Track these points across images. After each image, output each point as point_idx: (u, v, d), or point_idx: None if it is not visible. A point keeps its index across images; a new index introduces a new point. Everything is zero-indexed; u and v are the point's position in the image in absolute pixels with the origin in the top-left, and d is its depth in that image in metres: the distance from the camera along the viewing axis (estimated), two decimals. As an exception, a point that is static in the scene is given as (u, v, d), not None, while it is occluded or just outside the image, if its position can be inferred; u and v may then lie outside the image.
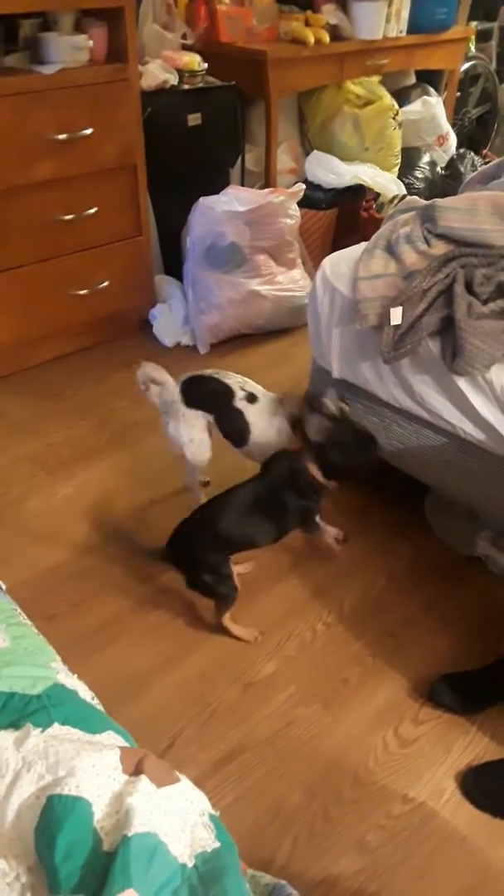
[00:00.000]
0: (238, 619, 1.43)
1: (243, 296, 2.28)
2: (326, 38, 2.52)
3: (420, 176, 2.98)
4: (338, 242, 2.62)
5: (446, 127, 3.19)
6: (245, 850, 0.90)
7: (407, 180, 2.91)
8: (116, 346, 2.36)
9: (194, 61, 2.31)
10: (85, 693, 0.89)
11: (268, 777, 1.20)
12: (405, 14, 2.75)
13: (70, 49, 1.92)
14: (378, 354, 1.45)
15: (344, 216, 2.70)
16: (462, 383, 1.37)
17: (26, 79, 1.86)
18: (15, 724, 0.77)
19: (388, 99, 2.82)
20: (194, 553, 1.35)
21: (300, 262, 2.42)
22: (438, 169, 3.07)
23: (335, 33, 2.59)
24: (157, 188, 2.29)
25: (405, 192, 2.78)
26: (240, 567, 1.48)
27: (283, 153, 2.80)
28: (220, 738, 1.25)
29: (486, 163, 2.82)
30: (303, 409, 1.45)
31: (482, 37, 3.59)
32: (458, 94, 3.39)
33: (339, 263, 1.60)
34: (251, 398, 1.51)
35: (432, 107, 3.09)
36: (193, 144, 2.36)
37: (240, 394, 1.51)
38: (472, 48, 3.45)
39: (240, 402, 1.50)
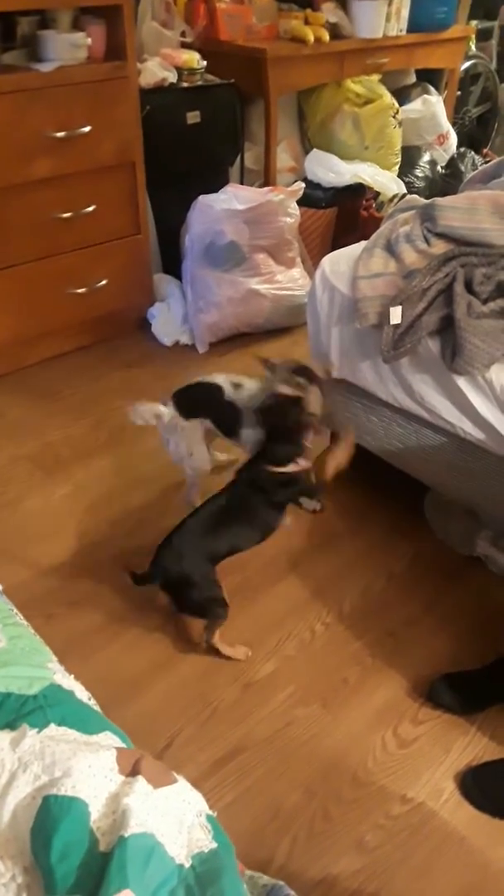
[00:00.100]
0: (237, 620, 1.42)
1: (242, 295, 2.28)
2: (326, 36, 2.52)
3: (420, 175, 2.97)
4: (337, 241, 2.61)
5: (446, 126, 3.19)
6: (244, 849, 0.89)
7: (407, 179, 2.91)
8: (115, 345, 2.36)
9: (193, 59, 2.30)
10: (81, 693, 0.89)
11: (267, 777, 1.20)
12: (405, 13, 2.75)
13: (68, 47, 1.91)
14: (377, 353, 1.45)
15: (344, 215, 2.69)
16: (462, 383, 1.37)
17: (24, 76, 1.85)
18: (11, 725, 0.77)
19: (388, 98, 2.82)
20: (180, 574, 1.31)
21: (300, 260, 2.42)
22: (439, 168, 3.06)
23: (335, 32, 2.59)
24: (156, 186, 2.29)
25: (405, 191, 2.77)
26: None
27: (282, 151, 2.80)
28: (219, 738, 1.25)
29: (486, 162, 2.82)
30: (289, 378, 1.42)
31: (482, 36, 3.59)
32: (459, 92, 3.39)
33: (339, 262, 1.59)
34: (238, 387, 1.51)
35: (432, 105, 3.09)
36: (192, 142, 2.35)
37: (228, 388, 1.51)
38: (473, 47, 3.45)
39: (230, 394, 1.50)
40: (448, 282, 1.41)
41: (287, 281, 2.35)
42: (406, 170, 2.94)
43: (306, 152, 2.82)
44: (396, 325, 1.39)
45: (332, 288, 1.57)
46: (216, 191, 2.27)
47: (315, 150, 2.75)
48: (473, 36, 3.37)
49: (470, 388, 1.36)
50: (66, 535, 1.66)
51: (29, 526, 1.68)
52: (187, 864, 0.67)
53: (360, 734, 1.27)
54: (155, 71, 2.21)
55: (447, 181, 2.98)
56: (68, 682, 0.89)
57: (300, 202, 2.31)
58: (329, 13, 2.58)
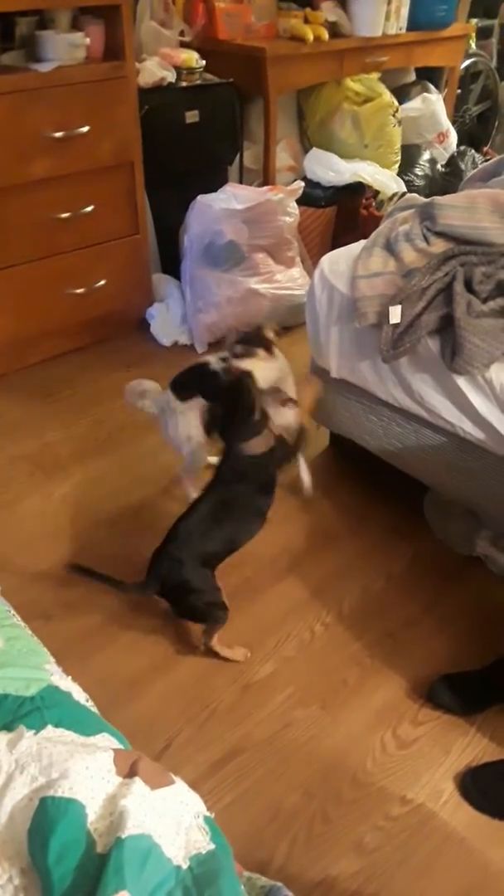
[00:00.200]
0: (236, 621, 1.42)
1: (242, 294, 2.27)
2: (325, 35, 2.51)
3: (420, 173, 2.97)
4: (337, 240, 2.61)
5: (446, 124, 3.18)
6: (243, 851, 0.89)
7: (407, 178, 2.90)
8: (114, 346, 2.36)
9: (192, 58, 2.30)
10: (79, 695, 0.88)
11: (266, 778, 1.20)
12: (405, 11, 2.74)
13: (67, 47, 1.91)
14: (377, 353, 1.44)
15: (343, 214, 2.69)
16: (461, 382, 1.36)
17: (23, 77, 1.85)
18: (8, 726, 0.77)
19: (388, 96, 2.81)
20: (179, 582, 1.30)
21: (299, 260, 2.42)
22: (439, 166, 3.06)
23: (334, 30, 2.58)
24: (155, 186, 2.28)
25: (405, 189, 2.77)
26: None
27: (281, 151, 2.79)
28: (218, 740, 1.25)
29: (486, 160, 2.80)
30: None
31: (482, 34, 3.58)
32: (459, 91, 3.38)
33: (338, 261, 1.59)
34: (224, 360, 1.51)
35: (432, 104, 3.08)
36: (191, 142, 2.35)
37: (215, 362, 1.52)
38: (473, 45, 3.44)
39: (216, 367, 1.51)
40: (447, 281, 1.40)
41: (286, 280, 2.35)
42: (406, 168, 2.94)
43: (306, 151, 2.81)
44: (396, 325, 1.39)
45: (331, 287, 1.56)
46: (215, 190, 2.27)
47: (314, 148, 2.75)
48: (473, 34, 3.37)
49: (469, 388, 1.36)
50: (65, 535, 1.65)
51: (28, 526, 1.68)
52: (185, 866, 0.67)
53: (359, 735, 1.26)
54: (154, 70, 2.21)
55: (447, 180, 2.97)
56: (66, 683, 0.89)
57: (299, 201, 2.31)
58: (328, 12, 2.58)
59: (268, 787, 1.18)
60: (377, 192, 2.71)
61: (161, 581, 1.31)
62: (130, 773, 0.71)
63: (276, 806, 1.16)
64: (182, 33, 2.40)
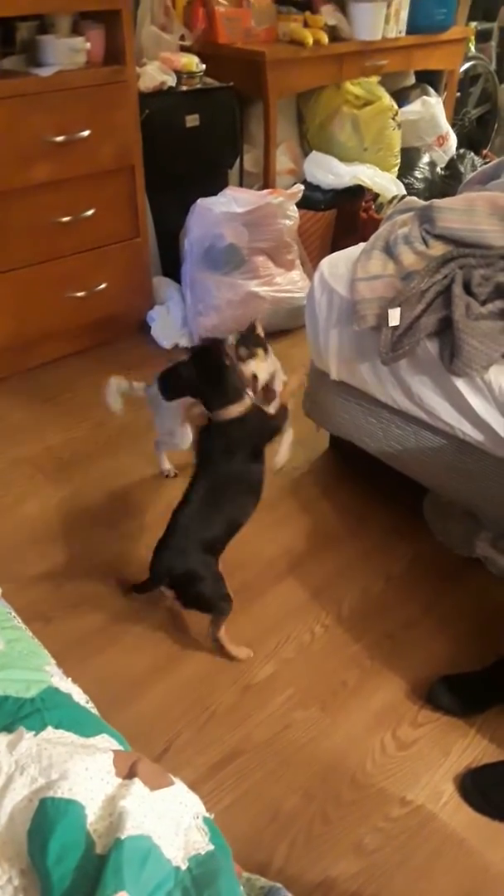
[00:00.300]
0: (236, 622, 1.42)
1: (242, 297, 2.28)
2: (325, 38, 2.52)
3: (420, 176, 2.97)
4: (337, 243, 2.61)
5: (446, 127, 3.19)
6: (242, 853, 0.89)
7: (406, 181, 2.91)
8: (114, 349, 2.36)
9: (192, 62, 2.31)
10: (79, 696, 0.89)
11: (265, 780, 1.20)
12: (404, 14, 2.75)
13: (67, 51, 1.92)
14: (376, 355, 1.45)
15: (343, 217, 2.69)
16: (460, 384, 1.37)
17: (24, 81, 1.86)
18: (8, 728, 0.77)
19: (388, 99, 2.82)
20: (186, 571, 1.32)
21: (299, 263, 2.42)
22: (438, 169, 3.06)
23: (334, 34, 2.59)
24: (155, 190, 2.29)
25: (405, 192, 2.77)
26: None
27: (281, 154, 2.80)
28: (218, 741, 1.25)
29: (486, 163, 2.81)
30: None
31: (482, 37, 3.59)
32: (458, 94, 3.39)
33: (338, 264, 1.60)
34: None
35: (432, 107, 3.09)
36: (191, 146, 2.36)
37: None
38: (472, 48, 3.45)
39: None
40: (446, 283, 1.41)
41: (286, 283, 2.35)
42: (405, 171, 2.95)
43: (305, 154, 2.82)
44: (395, 327, 1.40)
45: (330, 290, 1.57)
46: (215, 194, 2.28)
47: (314, 152, 2.76)
48: (473, 37, 3.38)
49: (468, 390, 1.37)
50: (66, 538, 1.66)
51: (28, 529, 1.68)
52: (184, 867, 0.67)
53: (358, 737, 1.27)
54: (154, 75, 2.22)
55: (447, 182, 2.98)
56: (66, 685, 0.89)
57: (299, 204, 2.31)
58: (328, 15, 2.59)
59: (267, 788, 1.19)
60: (377, 196, 2.72)
61: (167, 573, 1.32)
62: (130, 774, 0.71)
63: (275, 807, 1.16)
64: (182, 37, 2.41)
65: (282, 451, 1.56)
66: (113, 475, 1.85)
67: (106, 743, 0.80)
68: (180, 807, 0.72)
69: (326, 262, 1.63)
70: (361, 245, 1.61)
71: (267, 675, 1.36)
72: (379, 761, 1.23)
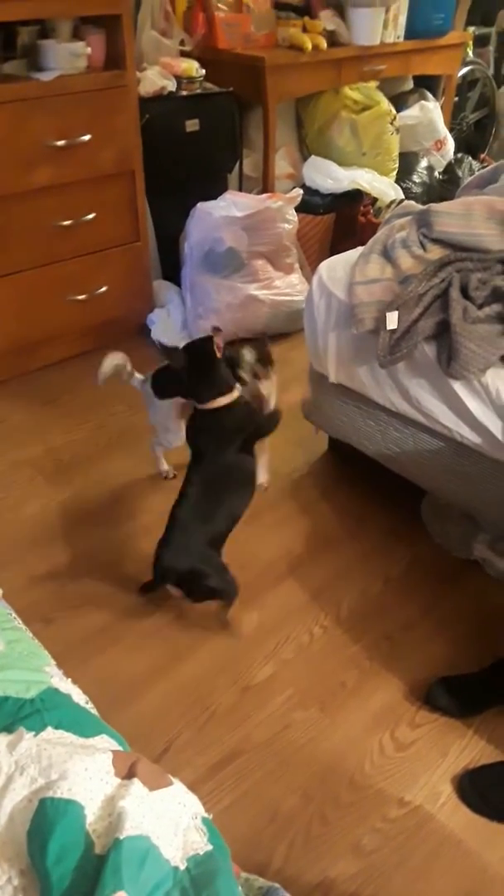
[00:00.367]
0: (237, 622, 1.44)
1: (241, 300, 2.29)
2: (324, 44, 2.54)
3: (418, 181, 2.99)
4: (335, 247, 2.62)
5: (444, 132, 3.20)
6: (241, 853, 0.90)
7: (405, 185, 2.92)
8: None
9: (192, 67, 2.32)
10: (79, 697, 0.89)
11: (264, 780, 1.20)
12: (402, 20, 2.77)
13: (68, 56, 1.93)
14: (374, 358, 1.46)
15: (342, 221, 2.71)
16: (458, 387, 1.38)
17: (25, 86, 1.87)
18: (8, 728, 0.77)
19: (386, 104, 2.84)
20: (191, 569, 1.34)
21: (298, 266, 2.43)
22: (436, 174, 3.08)
23: (333, 39, 2.60)
24: (156, 194, 2.30)
25: (403, 196, 2.79)
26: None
27: (280, 158, 2.81)
28: (217, 742, 1.25)
29: (483, 167, 2.83)
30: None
31: (480, 42, 3.60)
32: (456, 98, 3.40)
33: (336, 268, 1.61)
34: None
35: (430, 112, 3.10)
36: (191, 150, 2.37)
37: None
38: (470, 53, 3.47)
39: None
40: (444, 287, 1.42)
41: (285, 287, 2.36)
42: (404, 176, 2.96)
43: (304, 159, 2.83)
44: (393, 331, 1.40)
45: (329, 294, 1.58)
46: (215, 198, 2.29)
47: (313, 156, 2.77)
48: (471, 42, 3.39)
49: (466, 393, 1.37)
50: (66, 539, 1.66)
51: (29, 530, 1.69)
52: (182, 867, 0.68)
53: (357, 737, 1.27)
54: (154, 79, 2.23)
55: (445, 187, 2.99)
56: (66, 685, 0.90)
57: (298, 208, 2.33)
58: (327, 21, 2.60)
59: (266, 789, 1.19)
60: (375, 200, 2.73)
61: (171, 572, 1.35)
62: (129, 774, 0.72)
63: (274, 808, 1.17)
64: (182, 43, 2.43)
65: (261, 473, 1.62)
66: (113, 477, 1.86)
67: (105, 743, 0.80)
68: (179, 807, 0.73)
69: (325, 266, 1.64)
70: (360, 249, 1.62)
71: (266, 675, 1.37)
72: (377, 762, 1.23)
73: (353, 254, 1.62)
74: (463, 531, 1.56)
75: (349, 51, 2.65)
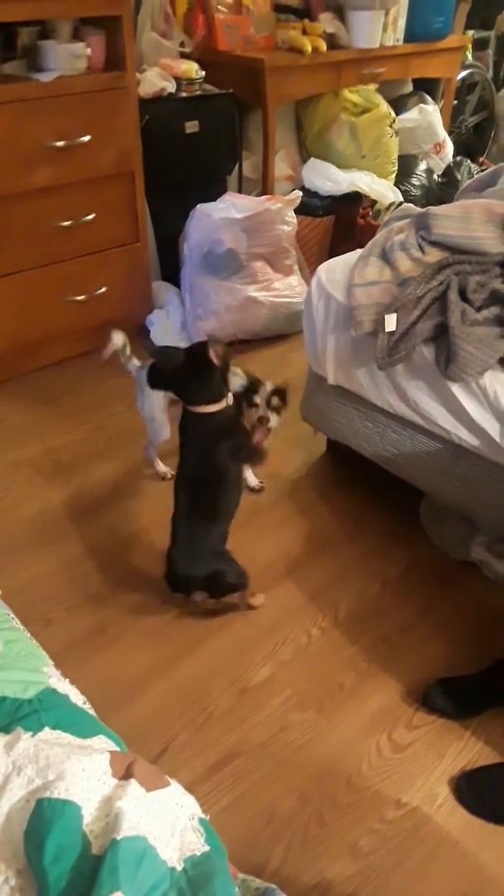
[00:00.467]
0: (235, 623, 1.45)
1: (240, 302, 2.29)
2: (323, 46, 2.54)
3: (417, 183, 2.99)
4: (335, 249, 2.63)
5: (443, 135, 3.21)
6: (238, 854, 0.90)
7: (403, 188, 2.93)
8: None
9: (192, 69, 2.33)
10: (76, 697, 0.89)
11: (262, 782, 1.20)
12: (402, 23, 2.78)
13: (68, 57, 1.93)
14: (373, 360, 1.46)
15: (341, 223, 2.71)
16: (456, 389, 1.38)
17: (25, 86, 1.87)
18: (6, 728, 0.77)
19: (385, 107, 2.84)
20: (210, 573, 1.38)
21: (297, 268, 2.44)
22: (435, 177, 3.09)
23: (332, 42, 2.61)
24: (155, 195, 2.31)
25: (401, 199, 2.79)
26: None
27: (280, 160, 2.82)
28: (215, 743, 1.25)
29: (482, 170, 2.84)
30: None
31: (479, 45, 3.62)
32: (455, 102, 3.41)
33: (335, 270, 1.61)
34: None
35: (429, 115, 3.11)
36: (191, 152, 2.38)
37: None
38: (469, 56, 3.48)
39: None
40: (442, 290, 1.42)
41: (284, 288, 2.37)
42: (402, 178, 2.97)
43: (304, 161, 2.84)
44: (391, 333, 1.41)
45: (328, 296, 1.58)
46: (214, 199, 2.29)
47: (312, 158, 2.78)
48: (470, 45, 3.40)
49: (464, 395, 1.38)
50: (65, 540, 1.66)
51: (28, 531, 1.69)
52: (179, 868, 0.68)
53: (354, 739, 1.27)
54: (154, 81, 2.24)
55: (444, 190, 3.00)
56: (64, 686, 0.90)
57: (297, 210, 2.33)
58: (326, 23, 2.61)
59: (263, 790, 1.19)
60: (374, 202, 2.74)
61: (189, 580, 1.39)
62: (126, 775, 0.72)
63: (271, 809, 1.17)
64: (182, 44, 2.43)
65: (249, 477, 1.67)
66: (112, 477, 1.86)
67: (103, 744, 0.80)
68: (176, 808, 0.73)
69: (324, 268, 1.64)
70: (358, 251, 1.62)
71: (264, 677, 1.37)
72: (375, 764, 1.23)
73: (351, 256, 1.63)
74: (461, 533, 1.56)
75: (349, 53, 2.66)
